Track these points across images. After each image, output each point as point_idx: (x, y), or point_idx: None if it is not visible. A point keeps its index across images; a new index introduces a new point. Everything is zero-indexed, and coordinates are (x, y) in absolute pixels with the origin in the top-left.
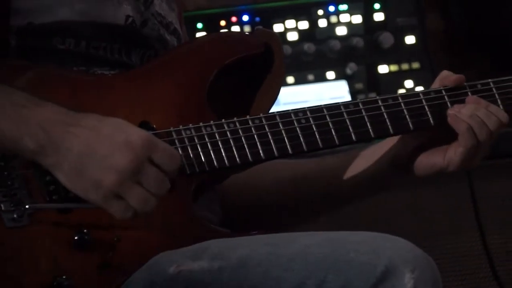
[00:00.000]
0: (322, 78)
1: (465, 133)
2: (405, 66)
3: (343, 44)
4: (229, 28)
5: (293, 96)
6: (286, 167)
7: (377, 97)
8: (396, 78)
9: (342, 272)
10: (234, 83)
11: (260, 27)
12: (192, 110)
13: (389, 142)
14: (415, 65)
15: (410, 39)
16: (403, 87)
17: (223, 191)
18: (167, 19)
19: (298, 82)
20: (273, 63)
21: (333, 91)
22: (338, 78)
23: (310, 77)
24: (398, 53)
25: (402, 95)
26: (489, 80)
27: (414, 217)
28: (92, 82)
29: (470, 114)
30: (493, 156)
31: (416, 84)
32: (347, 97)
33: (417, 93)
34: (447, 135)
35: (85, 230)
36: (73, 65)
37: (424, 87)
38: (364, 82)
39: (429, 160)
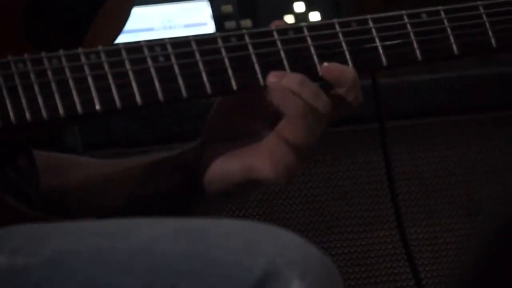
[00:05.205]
0: None
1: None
2: None
3: None
4: None
5: (133, 23)
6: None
7: (273, 28)
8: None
9: (201, 276)
10: (64, 3)
11: None
12: None
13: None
14: None
15: None
16: (291, 12)
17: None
18: None
19: (140, 1)
20: None
21: (189, 15)
22: None
23: None
24: None
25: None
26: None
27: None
28: None
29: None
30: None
31: (309, 8)
32: (210, 24)
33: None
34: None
35: None
36: None
37: (320, 12)
38: (234, 3)
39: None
